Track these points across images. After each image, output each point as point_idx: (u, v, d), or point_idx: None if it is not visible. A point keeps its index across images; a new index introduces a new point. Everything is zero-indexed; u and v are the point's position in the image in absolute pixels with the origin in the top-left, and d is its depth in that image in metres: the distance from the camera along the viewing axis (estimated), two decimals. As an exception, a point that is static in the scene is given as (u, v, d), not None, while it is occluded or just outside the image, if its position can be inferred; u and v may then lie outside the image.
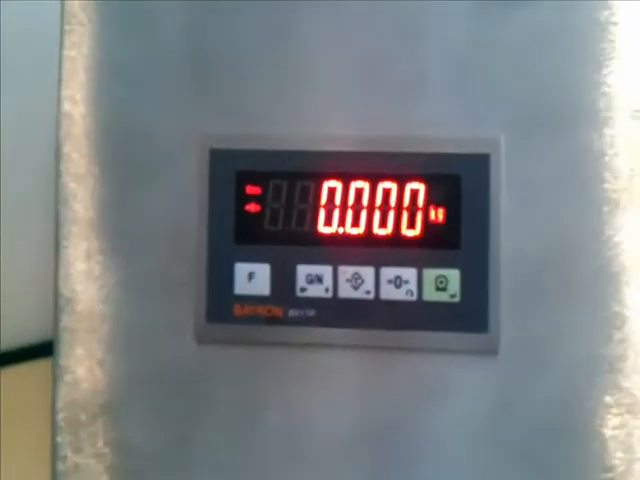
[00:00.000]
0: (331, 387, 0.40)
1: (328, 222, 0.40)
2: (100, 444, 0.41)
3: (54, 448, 0.42)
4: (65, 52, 0.42)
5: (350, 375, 0.40)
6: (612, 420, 0.38)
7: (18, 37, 0.66)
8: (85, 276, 0.41)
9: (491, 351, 0.40)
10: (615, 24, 0.38)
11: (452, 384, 0.40)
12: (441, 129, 0.40)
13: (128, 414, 0.41)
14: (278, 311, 0.40)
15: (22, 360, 0.63)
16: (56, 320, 0.41)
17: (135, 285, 0.41)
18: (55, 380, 0.42)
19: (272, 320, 0.40)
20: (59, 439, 0.41)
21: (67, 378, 0.41)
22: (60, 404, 0.42)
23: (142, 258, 0.41)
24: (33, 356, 0.62)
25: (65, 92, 0.41)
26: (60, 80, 0.42)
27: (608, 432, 0.38)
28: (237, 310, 0.41)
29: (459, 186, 0.39)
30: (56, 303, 0.41)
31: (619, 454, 0.38)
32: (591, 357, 0.39)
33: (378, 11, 0.40)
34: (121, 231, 0.41)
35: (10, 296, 0.64)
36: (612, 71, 0.38)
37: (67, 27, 0.42)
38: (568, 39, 0.39)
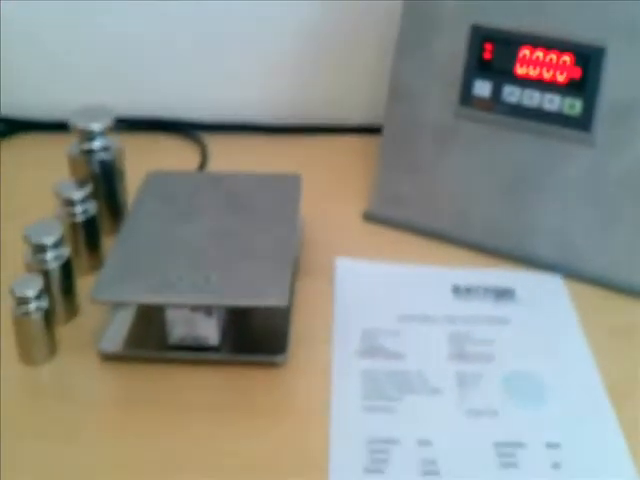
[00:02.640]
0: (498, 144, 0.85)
1: (520, 67, 0.83)
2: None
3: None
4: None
5: (515, 143, 0.84)
6: None
7: None
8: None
9: (592, 143, 0.81)
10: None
11: (572, 154, 0.81)
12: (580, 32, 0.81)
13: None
14: (492, 105, 0.85)
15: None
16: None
17: (427, 85, 0.87)
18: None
19: (490, 108, 0.85)
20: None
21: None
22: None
23: (431, 81, 0.87)
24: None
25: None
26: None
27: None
28: (474, 102, 0.85)
29: (589, 61, 0.81)
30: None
31: None
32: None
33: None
34: (425, 53, 0.87)
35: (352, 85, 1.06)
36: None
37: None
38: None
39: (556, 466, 0.62)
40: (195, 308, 0.68)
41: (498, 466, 0.62)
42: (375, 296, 0.78)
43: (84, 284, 0.76)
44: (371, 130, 1.00)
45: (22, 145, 1.03)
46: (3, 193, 0.91)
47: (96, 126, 0.83)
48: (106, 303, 0.72)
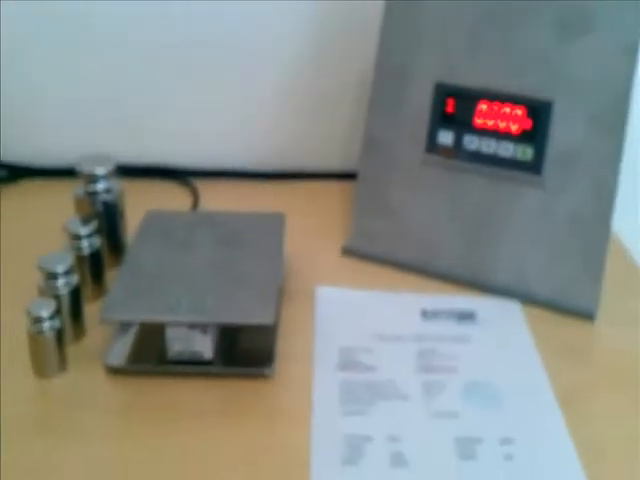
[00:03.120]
0: (457, 191, 0.95)
1: (479, 118, 0.94)
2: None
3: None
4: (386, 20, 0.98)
5: (474, 185, 0.95)
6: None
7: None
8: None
9: (541, 185, 0.92)
10: None
11: (524, 195, 0.92)
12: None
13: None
14: (454, 152, 0.95)
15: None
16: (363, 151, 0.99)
17: (397, 135, 0.98)
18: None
19: (452, 155, 0.95)
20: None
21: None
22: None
23: (400, 132, 0.98)
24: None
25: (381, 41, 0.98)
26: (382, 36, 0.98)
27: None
28: (439, 150, 0.96)
29: (539, 113, 0.91)
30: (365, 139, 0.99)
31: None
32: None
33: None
34: (395, 107, 0.98)
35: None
36: None
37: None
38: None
39: (508, 458, 0.71)
40: (192, 326, 0.77)
41: (457, 458, 0.71)
42: (352, 319, 0.88)
43: (89, 310, 0.85)
44: (348, 175, 1.10)
45: (25, 190, 1.12)
46: (12, 232, 1.00)
47: (100, 170, 0.92)
48: (113, 322, 0.81)
